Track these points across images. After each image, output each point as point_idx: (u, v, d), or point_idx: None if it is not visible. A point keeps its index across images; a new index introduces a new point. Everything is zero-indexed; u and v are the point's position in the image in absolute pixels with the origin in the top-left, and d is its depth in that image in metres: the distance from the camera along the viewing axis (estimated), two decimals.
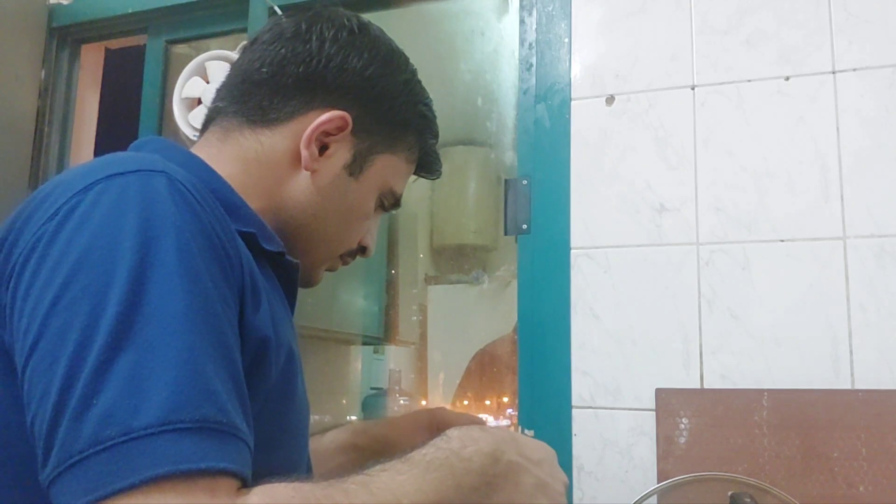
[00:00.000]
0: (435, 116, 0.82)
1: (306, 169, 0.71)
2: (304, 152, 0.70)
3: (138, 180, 0.53)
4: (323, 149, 0.72)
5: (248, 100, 0.71)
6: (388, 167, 0.77)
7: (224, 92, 0.74)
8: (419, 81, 0.80)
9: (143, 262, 0.49)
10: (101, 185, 0.53)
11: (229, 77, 0.75)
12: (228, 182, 0.67)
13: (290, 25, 0.74)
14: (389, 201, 0.79)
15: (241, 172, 0.70)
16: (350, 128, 0.71)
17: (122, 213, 0.51)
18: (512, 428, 1.67)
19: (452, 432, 0.62)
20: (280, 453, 0.63)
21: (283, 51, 0.71)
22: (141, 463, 0.43)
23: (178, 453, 0.44)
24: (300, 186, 0.72)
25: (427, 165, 0.84)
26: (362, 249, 0.82)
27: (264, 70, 0.71)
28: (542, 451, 0.69)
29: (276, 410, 0.61)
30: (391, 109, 0.75)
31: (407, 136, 0.78)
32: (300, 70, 0.70)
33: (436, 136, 0.82)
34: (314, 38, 0.71)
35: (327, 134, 0.71)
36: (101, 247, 0.50)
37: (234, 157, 0.71)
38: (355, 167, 0.73)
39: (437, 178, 0.88)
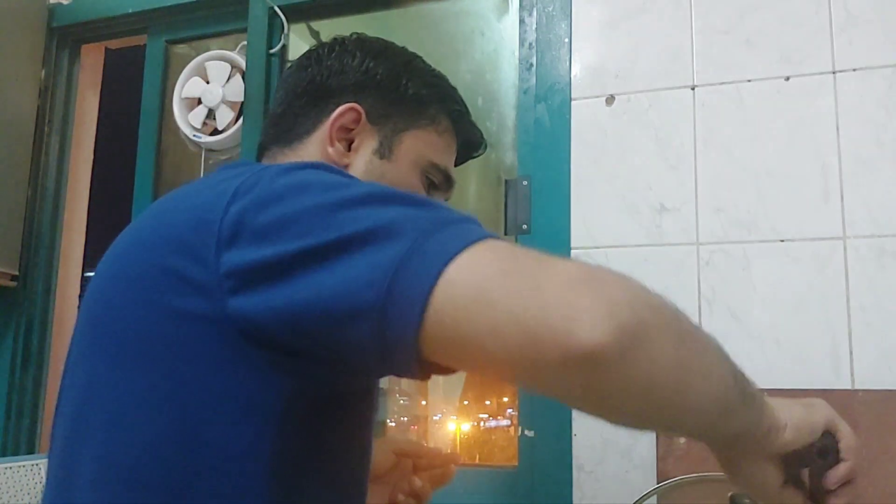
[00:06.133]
0: (452, 87, 0.86)
1: (339, 165, 0.77)
2: (330, 150, 0.77)
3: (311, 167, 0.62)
4: (351, 145, 0.78)
5: (277, 129, 0.81)
6: (419, 142, 0.81)
7: (263, 131, 0.85)
8: (423, 61, 0.85)
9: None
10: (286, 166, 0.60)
11: (265, 121, 0.87)
12: None
13: (295, 62, 0.84)
14: (438, 177, 0.83)
15: None
16: (365, 116, 0.78)
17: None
18: (511, 429, 1.66)
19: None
20: (354, 450, 0.68)
21: (293, 83, 0.82)
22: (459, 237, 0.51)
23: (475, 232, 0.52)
24: None
25: (464, 134, 0.87)
26: None
27: (283, 105, 0.81)
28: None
29: (363, 411, 0.68)
30: (398, 89, 0.80)
31: (427, 109, 0.82)
32: (308, 90, 0.80)
33: (458, 103, 0.86)
34: (312, 61, 0.81)
35: (347, 129, 0.78)
36: (316, 179, 0.57)
37: None
38: (384, 150, 0.79)
39: (483, 148, 0.91)
